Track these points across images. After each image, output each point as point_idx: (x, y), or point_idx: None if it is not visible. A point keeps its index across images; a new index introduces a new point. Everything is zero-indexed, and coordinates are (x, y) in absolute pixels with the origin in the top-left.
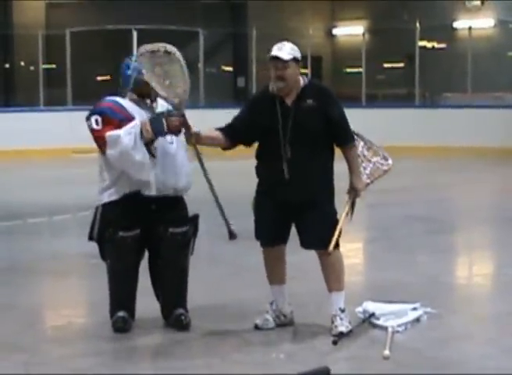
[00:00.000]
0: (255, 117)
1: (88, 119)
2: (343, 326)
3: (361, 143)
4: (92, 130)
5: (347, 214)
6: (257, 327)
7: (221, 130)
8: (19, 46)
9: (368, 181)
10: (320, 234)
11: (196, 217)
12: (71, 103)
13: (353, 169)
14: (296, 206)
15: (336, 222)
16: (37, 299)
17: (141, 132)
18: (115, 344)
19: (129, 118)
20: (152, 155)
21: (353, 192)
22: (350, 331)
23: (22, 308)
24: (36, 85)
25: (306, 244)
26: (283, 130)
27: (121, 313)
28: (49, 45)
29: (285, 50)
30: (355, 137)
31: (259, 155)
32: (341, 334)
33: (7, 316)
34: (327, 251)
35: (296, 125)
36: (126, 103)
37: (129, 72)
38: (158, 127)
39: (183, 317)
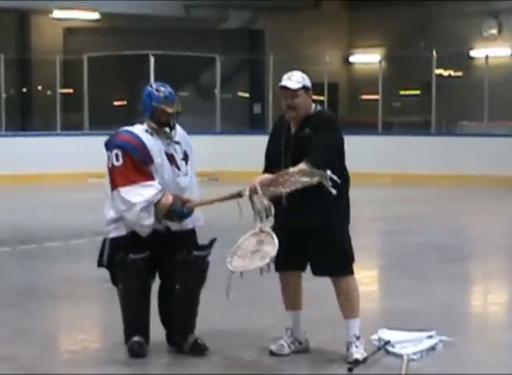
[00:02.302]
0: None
1: (109, 149)
2: (358, 354)
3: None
4: (112, 165)
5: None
6: (272, 353)
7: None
8: (36, 71)
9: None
10: (327, 261)
11: (213, 242)
12: (88, 128)
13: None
14: (303, 232)
15: (348, 247)
16: (52, 323)
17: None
18: (130, 368)
19: (150, 160)
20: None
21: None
22: (366, 359)
23: (37, 332)
24: (53, 109)
25: (314, 271)
26: (285, 158)
27: (136, 338)
28: (67, 70)
29: (294, 79)
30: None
31: None
32: (356, 362)
33: (23, 340)
34: (336, 277)
35: (294, 154)
36: (144, 135)
37: (149, 101)
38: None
39: (200, 342)
